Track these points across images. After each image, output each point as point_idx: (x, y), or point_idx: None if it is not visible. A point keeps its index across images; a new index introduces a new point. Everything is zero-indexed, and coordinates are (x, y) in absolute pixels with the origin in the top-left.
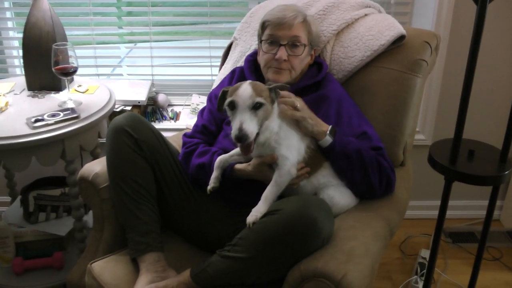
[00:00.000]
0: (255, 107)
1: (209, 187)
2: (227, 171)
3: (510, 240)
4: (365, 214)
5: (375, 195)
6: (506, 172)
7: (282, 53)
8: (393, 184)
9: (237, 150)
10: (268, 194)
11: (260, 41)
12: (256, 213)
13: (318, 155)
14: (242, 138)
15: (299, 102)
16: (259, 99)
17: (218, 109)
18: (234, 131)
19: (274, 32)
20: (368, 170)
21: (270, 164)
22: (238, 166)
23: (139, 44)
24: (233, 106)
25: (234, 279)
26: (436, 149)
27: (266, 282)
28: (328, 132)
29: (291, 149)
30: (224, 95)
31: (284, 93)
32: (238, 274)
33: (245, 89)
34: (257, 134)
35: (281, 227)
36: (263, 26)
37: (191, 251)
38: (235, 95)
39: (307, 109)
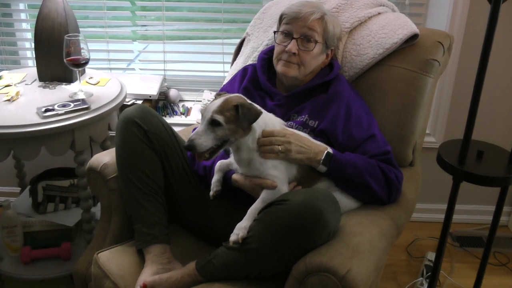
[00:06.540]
0: (213, 123)
1: (211, 192)
2: (228, 177)
3: None
4: (372, 211)
5: (384, 204)
6: None
7: (293, 46)
8: (400, 191)
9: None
10: (253, 210)
11: (275, 32)
12: (239, 231)
13: (313, 172)
14: (189, 147)
15: (286, 137)
16: (216, 116)
17: None
18: (188, 140)
19: (289, 25)
20: (373, 188)
21: None
22: (235, 176)
23: (152, 39)
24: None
25: (239, 271)
26: (445, 149)
27: (270, 275)
28: (322, 159)
29: (278, 167)
30: None
31: (265, 133)
32: (244, 266)
33: (214, 103)
34: (225, 150)
35: (288, 218)
36: (281, 18)
37: (197, 244)
38: (205, 107)
39: (297, 137)
